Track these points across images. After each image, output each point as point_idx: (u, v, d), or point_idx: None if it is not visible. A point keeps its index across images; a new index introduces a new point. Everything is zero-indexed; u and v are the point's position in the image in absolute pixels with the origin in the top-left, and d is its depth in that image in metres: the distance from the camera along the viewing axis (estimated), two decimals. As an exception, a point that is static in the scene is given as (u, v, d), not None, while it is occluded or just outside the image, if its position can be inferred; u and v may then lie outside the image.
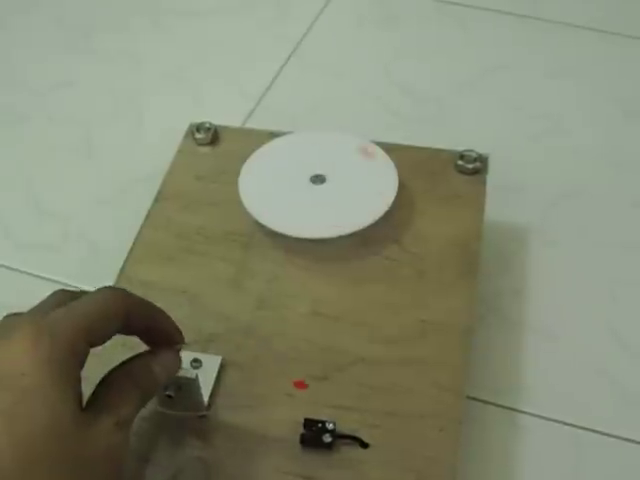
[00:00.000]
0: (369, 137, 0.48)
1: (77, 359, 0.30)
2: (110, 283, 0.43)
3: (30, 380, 0.28)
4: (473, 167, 0.47)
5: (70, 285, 0.50)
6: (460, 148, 0.47)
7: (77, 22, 0.71)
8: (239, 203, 0.45)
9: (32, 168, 0.58)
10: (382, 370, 0.39)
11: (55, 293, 0.34)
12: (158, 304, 0.34)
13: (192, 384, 0.35)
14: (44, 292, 0.48)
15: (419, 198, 0.46)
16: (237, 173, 0.46)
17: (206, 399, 0.37)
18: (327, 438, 0.36)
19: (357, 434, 0.36)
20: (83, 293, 0.33)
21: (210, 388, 0.37)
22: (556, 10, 0.69)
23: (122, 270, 0.43)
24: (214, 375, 0.38)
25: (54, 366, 0.29)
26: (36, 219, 0.54)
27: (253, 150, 0.47)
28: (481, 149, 0.47)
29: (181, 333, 0.34)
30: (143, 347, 0.34)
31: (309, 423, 0.36)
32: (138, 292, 0.34)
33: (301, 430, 0.36)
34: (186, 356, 0.38)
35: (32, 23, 0.71)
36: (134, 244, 0.45)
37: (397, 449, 0.36)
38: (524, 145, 0.58)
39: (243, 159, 0.47)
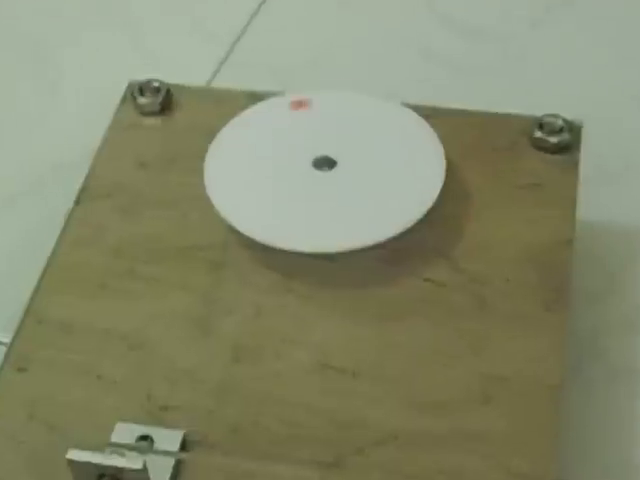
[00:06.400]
0: (398, 97, 0.48)
1: None
2: (8, 322, 0.43)
3: None
4: (558, 141, 0.47)
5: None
6: (538, 112, 0.48)
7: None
8: (205, 201, 0.45)
9: None
10: (424, 452, 0.38)
11: None
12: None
13: (138, 477, 0.35)
14: None
15: (477, 190, 0.46)
16: (202, 156, 0.46)
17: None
18: None
19: None
20: None
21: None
22: None
23: (30, 304, 0.43)
24: (172, 461, 0.38)
25: None
26: None
27: (225, 121, 0.48)
28: (570, 114, 0.47)
29: None
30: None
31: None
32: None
33: None
34: (130, 431, 0.38)
35: None
36: (47, 265, 0.45)
37: None
38: (631, 109, 0.58)
39: (210, 135, 0.47)
